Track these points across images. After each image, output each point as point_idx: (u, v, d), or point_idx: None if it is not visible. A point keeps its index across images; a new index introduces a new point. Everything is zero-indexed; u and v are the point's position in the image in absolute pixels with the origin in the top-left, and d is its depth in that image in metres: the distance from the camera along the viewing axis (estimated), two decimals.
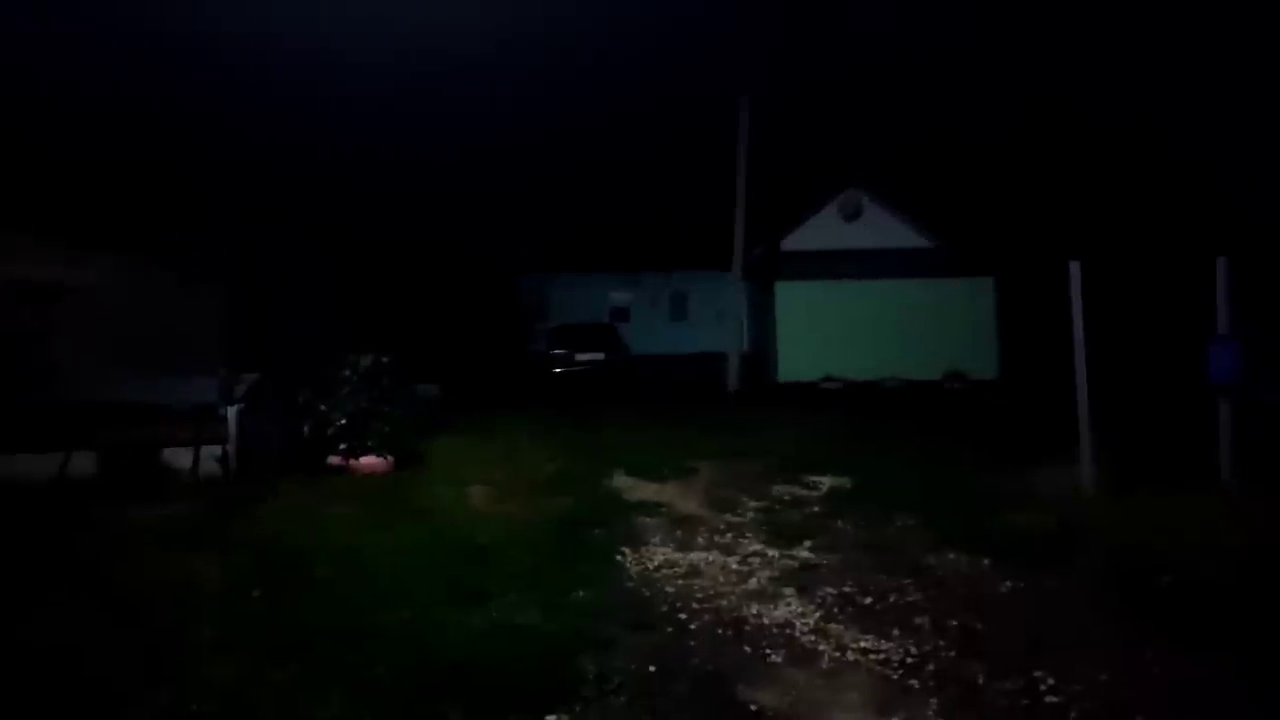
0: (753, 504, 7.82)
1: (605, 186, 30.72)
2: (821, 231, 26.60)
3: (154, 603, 5.12)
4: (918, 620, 4.86)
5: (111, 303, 12.63)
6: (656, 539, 6.67)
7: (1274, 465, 7.59)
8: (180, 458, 8.90)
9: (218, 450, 9.03)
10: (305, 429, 9.93)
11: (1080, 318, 7.99)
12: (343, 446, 9.56)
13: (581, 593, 5.33)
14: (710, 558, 6.15)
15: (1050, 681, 4.00)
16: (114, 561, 5.95)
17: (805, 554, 6.22)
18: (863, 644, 4.55)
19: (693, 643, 4.59)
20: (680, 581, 5.62)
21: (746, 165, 20.76)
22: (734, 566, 5.95)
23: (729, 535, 6.77)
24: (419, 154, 22.77)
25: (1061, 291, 8.25)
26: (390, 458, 9.57)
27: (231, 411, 9.16)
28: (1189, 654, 4.31)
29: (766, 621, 4.90)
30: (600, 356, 23.22)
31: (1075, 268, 8.07)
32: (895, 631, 4.71)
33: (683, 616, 4.96)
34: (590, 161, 30.55)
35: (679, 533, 6.85)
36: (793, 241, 26.67)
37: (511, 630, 4.68)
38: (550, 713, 3.73)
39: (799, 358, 20.82)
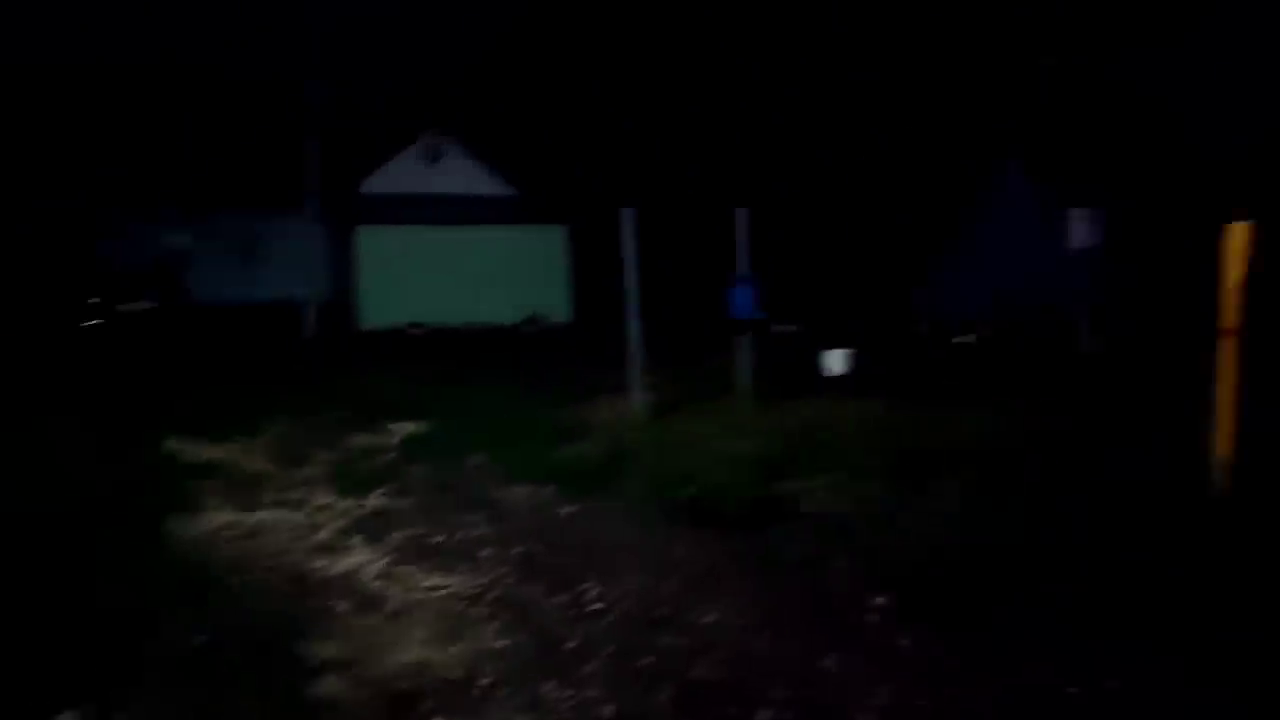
0: (325, 456, 7.56)
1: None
2: (404, 176, 26.01)
3: None
4: (484, 553, 5.09)
5: None
6: (216, 502, 6.18)
7: (783, 380, 9.14)
8: None
9: None
10: None
11: (633, 261, 8.80)
12: None
13: (127, 568, 4.77)
14: (275, 516, 5.85)
15: (596, 590, 4.44)
16: None
17: (377, 501, 6.18)
18: (429, 582, 4.65)
19: (250, 605, 4.35)
20: (240, 543, 5.29)
21: (318, 115, 19.84)
22: (300, 521, 5.73)
23: (298, 490, 6.50)
24: None
25: (619, 237, 9.00)
26: None
27: None
28: (709, 544, 5.08)
29: (333, 572, 4.80)
30: (151, 305, 20.77)
31: (628, 214, 8.85)
32: (462, 565, 4.89)
33: (240, 579, 4.68)
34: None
35: (242, 493, 6.41)
36: (375, 184, 25.80)
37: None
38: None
39: (382, 304, 20.45)
